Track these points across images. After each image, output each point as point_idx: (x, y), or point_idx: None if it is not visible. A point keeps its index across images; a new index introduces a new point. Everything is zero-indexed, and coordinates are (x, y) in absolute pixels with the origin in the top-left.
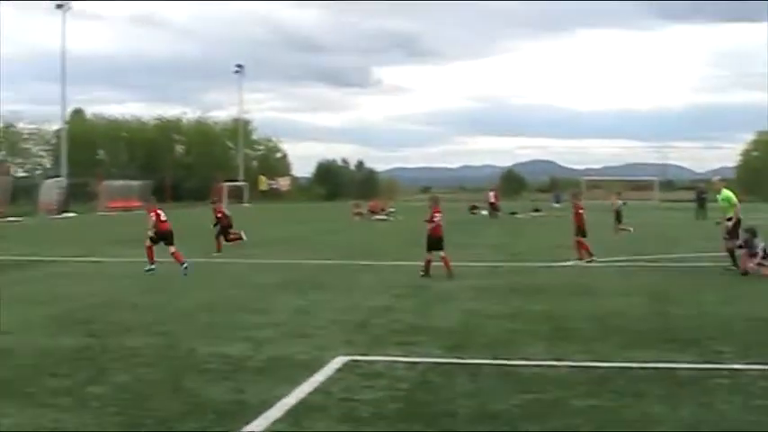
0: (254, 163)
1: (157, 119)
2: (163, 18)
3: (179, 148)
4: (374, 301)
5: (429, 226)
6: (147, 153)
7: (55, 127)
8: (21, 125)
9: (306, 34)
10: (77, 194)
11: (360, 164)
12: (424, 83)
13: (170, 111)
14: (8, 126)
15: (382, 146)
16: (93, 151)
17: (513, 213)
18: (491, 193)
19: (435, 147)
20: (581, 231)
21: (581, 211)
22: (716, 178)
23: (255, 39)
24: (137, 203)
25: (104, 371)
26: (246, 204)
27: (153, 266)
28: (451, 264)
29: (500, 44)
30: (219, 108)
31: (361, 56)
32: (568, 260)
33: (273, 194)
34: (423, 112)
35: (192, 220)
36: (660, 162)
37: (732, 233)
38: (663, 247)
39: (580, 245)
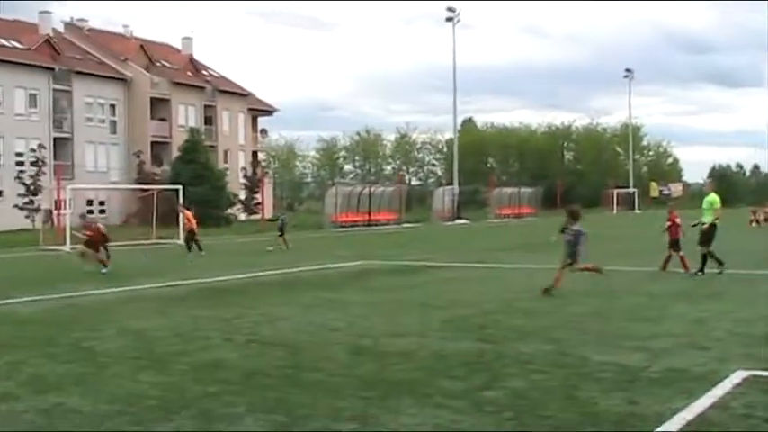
0: (645, 169)
1: (547, 127)
2: (548, 26)
3: (568, 155)
4: None
5: None
6: (536, 160)
7: (447, 136)
8: (415, 135)
9: (694, 34)
10: (468, 202)
11: (755, 168)
12: None
13: (558, 118)
14: (403, 136)
15: None
16: (484, 159)
17: None
18: None
19: None
20: None
21: None
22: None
23: (642, 42)
24: (527, 210)
25: (499, 376)
26: (637, 211)
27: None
28: None
29: None
30: (607, 114)
31: (754, 54)
32: None
33: (665, 201)
34: None
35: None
36: None
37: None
38: None
39: None
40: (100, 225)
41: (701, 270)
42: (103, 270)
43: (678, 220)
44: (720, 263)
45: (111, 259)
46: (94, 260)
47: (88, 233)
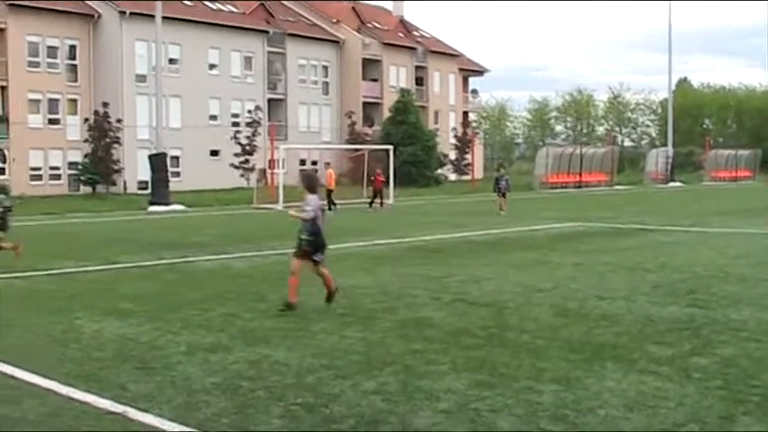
0: None
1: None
2: None
3: None
4: None
5: None
6: (755, 122)
7: (661, 96)
8: (628, 96)
9: None
10: (683, 164)
11: None
12: None
13: None
14: (616, 96)
15: None
16: (699, 121)
17: None
18: None
19: None
20: None
21: None
22: None
23: None
24: (745, 173)
25: (709, 343)
26: None
27: None
28: None
29: None
30: None
31: None
32: None
33: None
34: None
35: None
36: None
37: None
38: None
39: None
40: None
41: None
42: None
43: None
44: None
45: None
46: None
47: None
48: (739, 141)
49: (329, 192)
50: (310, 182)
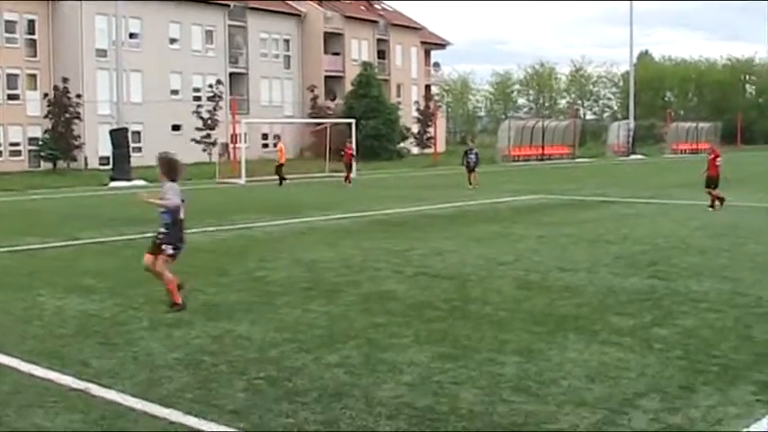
0: None
1: (727, 59)
2: None
3: (750, 89)
4: None
5: None
6: (716, 94)
7: (623, 69)
8: (590, 69)
9: None
10: (644, 137)
11: None
12: None
13: (739, 50)
14: (578, 69)
15: None
16: (661, 93)
17: None
18: None
19: None
20: None
21: None
22: None
23: None
24: (706, 146)
25: (669, 314)
26: None
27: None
28: None
29: None
30: None
31: None
32: None
33: None
34: None
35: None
36: None
37: None
38: None
39: None
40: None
41: None
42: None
43: None
44: None
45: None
46: None
47: None
48: (700, 114)
49: (279, 166)
50: (170, 167)
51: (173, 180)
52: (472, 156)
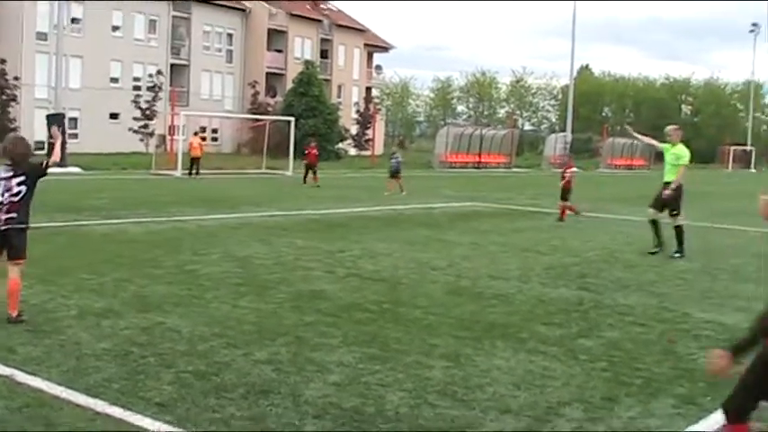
0: (765, 128)
1: (665, 78)
2: None
3: (686, 109)
4: None
5: None
6: (653, 112)
7: (563, 82)
8: (530, 80)
9: None
10: (581, 150)
11: None
12: None
13: (677, 69)
14: (519, 80)
15: None
16: (599, 108)
17: None
18: None
19: None
20: None
21: None
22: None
23: None
24: (640, 162)
25: (596, 326)
26: (753, 170)
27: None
28: None
29: None
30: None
31: None
32: None
33: None
34: None
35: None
36: None
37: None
38: None
39: None
40: None
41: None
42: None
43: None
44: None
45: None
46: None
47: None
48: (637, 130)
49: (195, 159)
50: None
51: None
52: (393, 161)
